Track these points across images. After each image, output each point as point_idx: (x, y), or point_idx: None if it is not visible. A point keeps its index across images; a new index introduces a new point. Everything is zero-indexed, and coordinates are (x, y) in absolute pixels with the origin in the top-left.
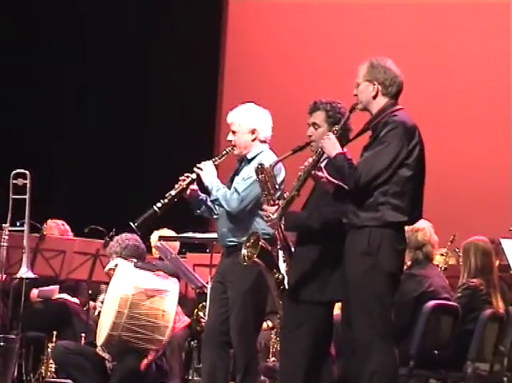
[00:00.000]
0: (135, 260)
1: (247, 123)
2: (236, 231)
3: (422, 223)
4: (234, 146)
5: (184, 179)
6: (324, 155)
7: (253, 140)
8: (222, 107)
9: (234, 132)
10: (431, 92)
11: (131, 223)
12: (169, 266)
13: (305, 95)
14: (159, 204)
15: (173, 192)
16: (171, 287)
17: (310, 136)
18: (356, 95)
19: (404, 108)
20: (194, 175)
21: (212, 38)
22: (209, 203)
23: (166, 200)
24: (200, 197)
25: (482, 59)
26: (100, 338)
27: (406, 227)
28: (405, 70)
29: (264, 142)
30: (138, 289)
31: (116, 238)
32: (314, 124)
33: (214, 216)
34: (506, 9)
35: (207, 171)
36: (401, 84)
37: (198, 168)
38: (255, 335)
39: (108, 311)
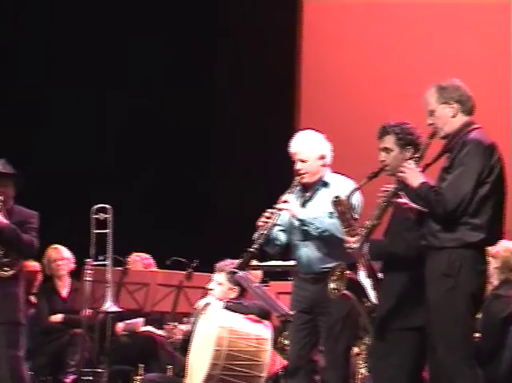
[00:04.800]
0: (232, 294)
1: (318, 149)
2: (329, 258)
3: None
4: (304, 174)
5: (269, 217)
6: None
7: (322, 166)
8: (300, 118)
9: (302, 161)
10: None
11: (235, 271)
12: (262, 308)
13: (386, 102)
14: (255, 246)
15: (265, 232)
16: (263, 332)
17: (383, 161)
18: (431, 124)
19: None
20: (279, 211)
21: (287, 47)
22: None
23: (261, 240)
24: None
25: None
26: (196, 380)
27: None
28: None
29: (327, 166)
30: (231, 330)
31: (230, 260)
32: (386, 148)
33: (271, 251)
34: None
35: (296, 205)
36: (473, 98)
37: (283, 203)
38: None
39: (201, 351)
